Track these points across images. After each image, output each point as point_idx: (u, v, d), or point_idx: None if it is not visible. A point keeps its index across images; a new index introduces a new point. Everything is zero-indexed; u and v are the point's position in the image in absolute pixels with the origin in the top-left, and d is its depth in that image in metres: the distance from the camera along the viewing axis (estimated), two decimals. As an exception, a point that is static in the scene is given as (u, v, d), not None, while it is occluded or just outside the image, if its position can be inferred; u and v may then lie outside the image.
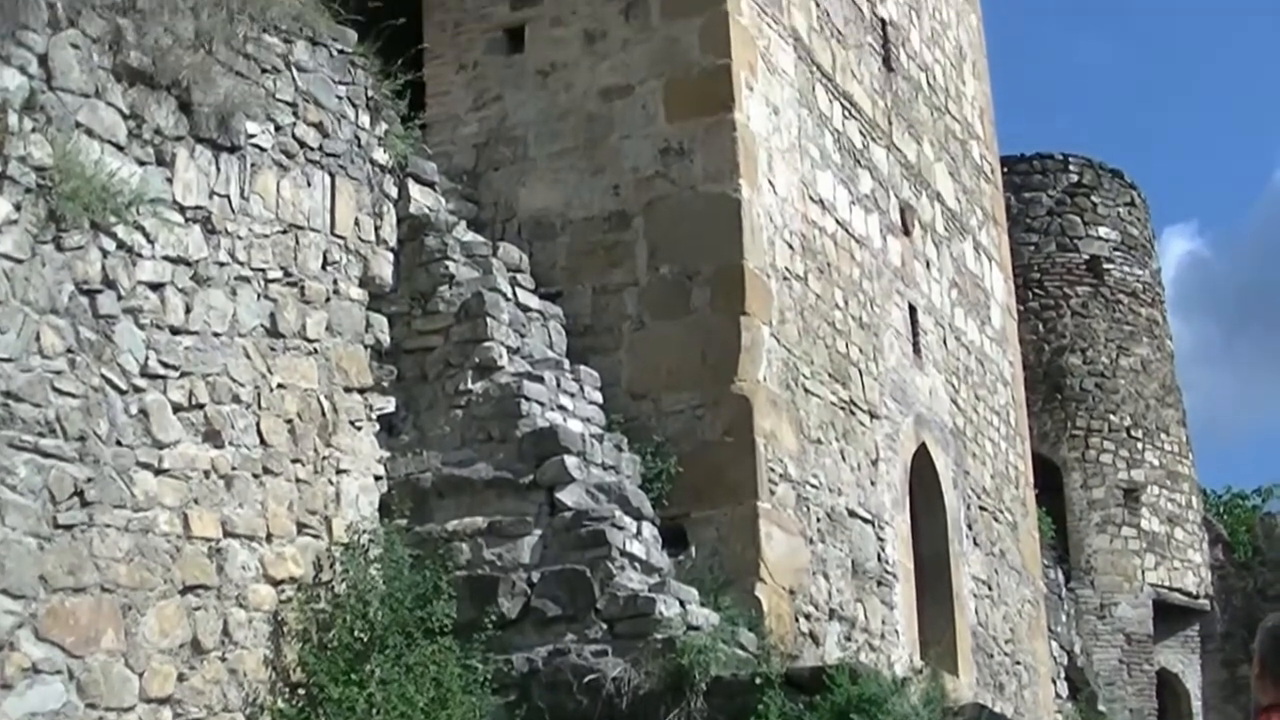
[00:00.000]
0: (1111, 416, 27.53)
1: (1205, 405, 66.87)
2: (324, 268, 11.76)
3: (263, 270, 11.15)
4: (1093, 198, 28.56)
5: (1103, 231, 28.47)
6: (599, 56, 14.84)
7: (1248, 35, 69.69)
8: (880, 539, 15.87)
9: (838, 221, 16.02)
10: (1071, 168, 28.81)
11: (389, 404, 12.31)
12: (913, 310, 17.58)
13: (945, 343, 18.44)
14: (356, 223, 12.14)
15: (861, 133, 16.97)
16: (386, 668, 10.95)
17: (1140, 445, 27.60)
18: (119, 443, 9.74)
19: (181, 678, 10.02)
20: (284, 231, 11.38)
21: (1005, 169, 24.29)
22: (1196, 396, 63.89)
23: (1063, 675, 24.07)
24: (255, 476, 10.85)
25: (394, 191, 12.61)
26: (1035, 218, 28.26)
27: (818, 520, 14.63)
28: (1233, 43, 70.51)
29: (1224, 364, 68.24)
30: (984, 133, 21.24)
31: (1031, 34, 66.15)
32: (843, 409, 15.51)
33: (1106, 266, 28.25)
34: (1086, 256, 28.21)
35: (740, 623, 12.64)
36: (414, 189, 12.77)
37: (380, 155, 12.48)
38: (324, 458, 11.53)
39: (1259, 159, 72.81)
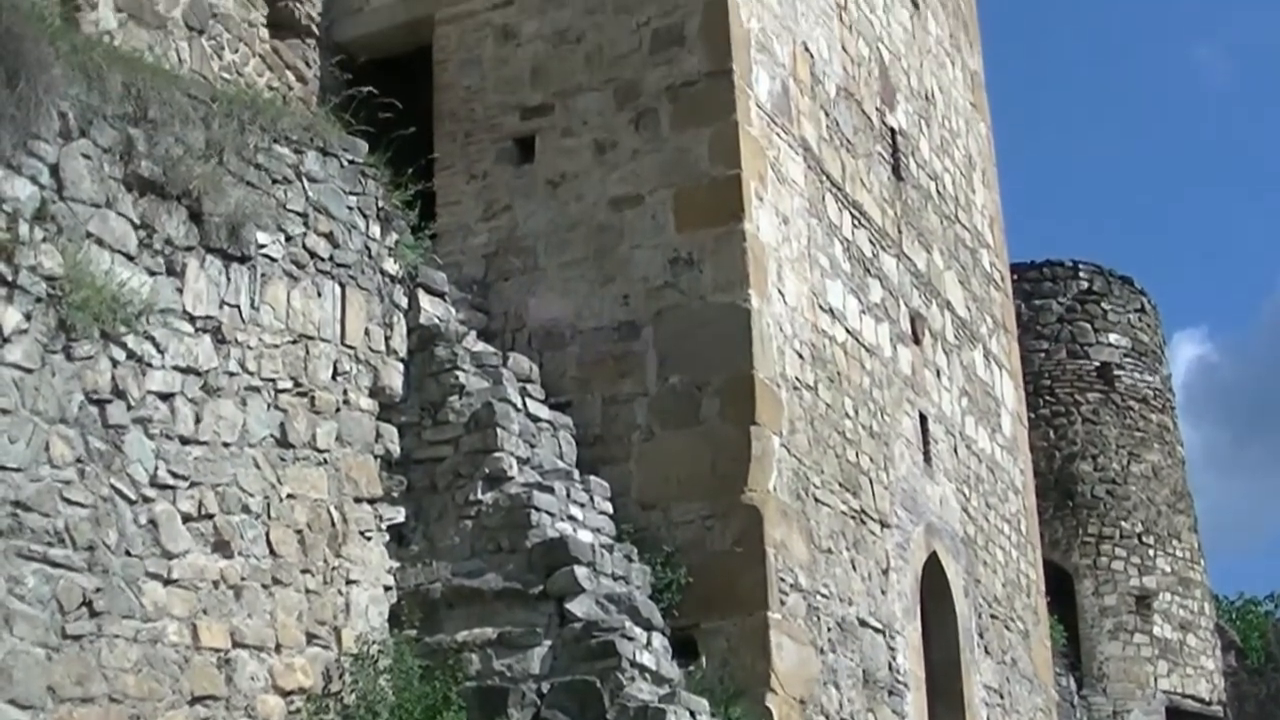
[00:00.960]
0: (1123, 523, 27.47)
1: (1216, 510, 66.70)
2: (334, 378, 11.76)
3: (273, 380, 11.15)
4: (1103, 304, 28.64)
5: (1113, 338, 28.53)
6: (609, 166, 14.90)
7: (1258, 139, 70.00)
8: (891, 648, 15.77)
9: (848, 330, 16.03)
10: (1081, 275, 28.89)
11: (399, 514, 12.27)
12: (923, 419, 17.55)
13: (956, 451, 18.40)
14: (367, 333, 12.16)
15: (871, 241, 17.02)
16: (396, 780, 10.87)
17: (1152, 552, 27.52)
18: (128, 553, 9.72)
19: (189, 789, 9.96)
20: (294, 341, 11.39)
21: (1015, 276, 24.34)
22: (1207, 502, 63.80)
23: (1077, 785, 23.86)
24: (264, 587, 10.81)
25: (404, 301, 12.63)
26: (1046, 324, 28.33)
27: (828, 630, 14.55)
28: (1243, 147, 70.82)
29: (1234, 469, 68.13)
30: (994, 241, 21.29)
31: (1040, 138, 66.45)
32: (853, 518, 15.46)
33: (1117, 373, 28.28)
34: (1097, 363, 28.25)
35: (751, 734, 12.56)
36: (424, 299, 12.79)
37: (391, 265, 12.51)
38: (333, 568, 11.48)
39: (1268, 263, 72.97)
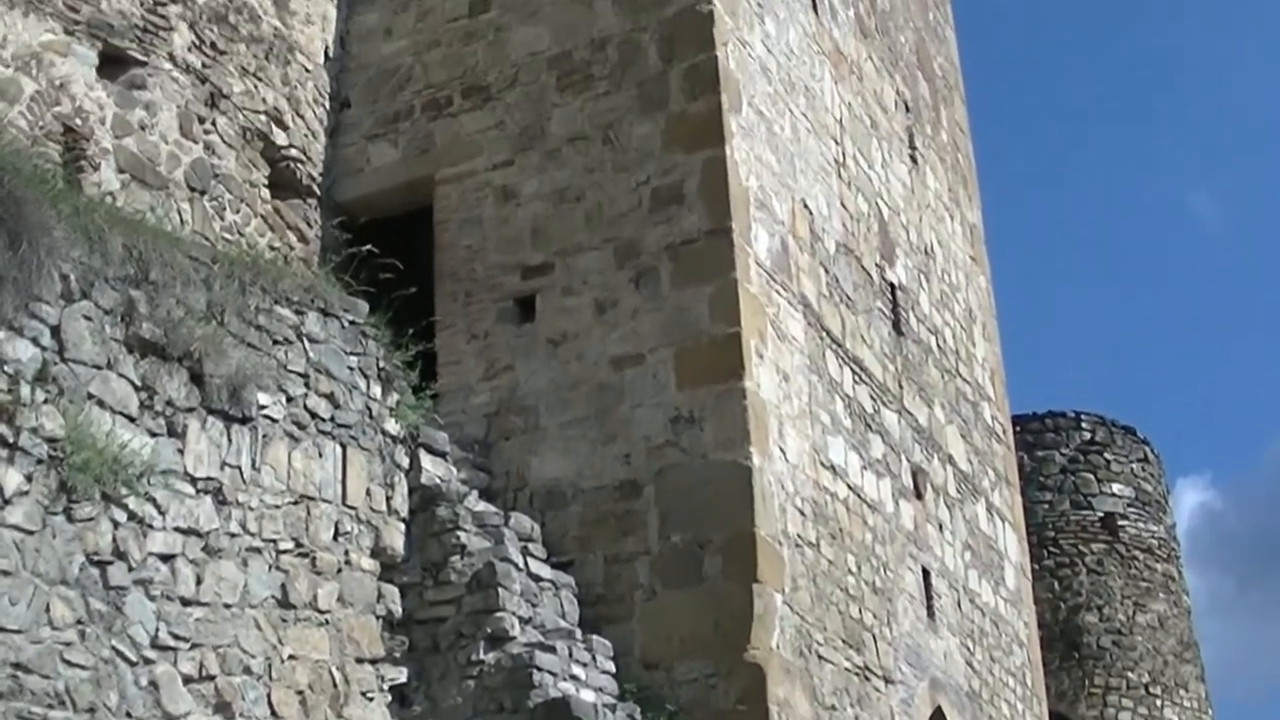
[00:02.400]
0: (1129, 674, 27.27)
1: (1221, 657, 66.15)
2: (335, 538, 11.73)
3: (274, 541, 11.12)
4: (1106, 455, 28.62)
5: (1116, 488, 28.48)
6: (610, 326, 14.95)
7: (1254, 285, 70.27)
8: (899, 808, 15.60)
9: (849, 487, 16.00)
10: (1084, 425, 28.91)
11: (401, 675, 12.18)
12: (926, 574, 17.47)
13: (959, 605, 18.30)
14: (368, 493, 12.14)
15: (872, 397, 17.04)
16: None
17: (1159, 702, 27.30)
18: (129, 715, 9.64)
19: None
20: (295, 502, 11.38)
21: (1018, 428, 24.35)
22: (1213, 648, 63.25)
23: None
24: (265, 749, 10.72)
25: (405, 462, 12.63)
26: (1049, 476, 28.29)
27: (835, 789, 14.41)
28: (1240, 293, 71.08)
29: (1239, 615, 67.65)
30: (995, 394, 21.32)
31: (1040, 288, 66.70)
32: (857, 675, 15.34)
33: (1121, 523, 28.20)
34: (1101, 514, 28.18)
35: None
36: (425, 459, 12.79)
37: (392, 426, 12.53)
38: (335, 730, 11.40)
39: (1269, 409, 72.94)
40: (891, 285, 18.34)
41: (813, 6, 17.96)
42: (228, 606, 10.62)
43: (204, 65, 14.98)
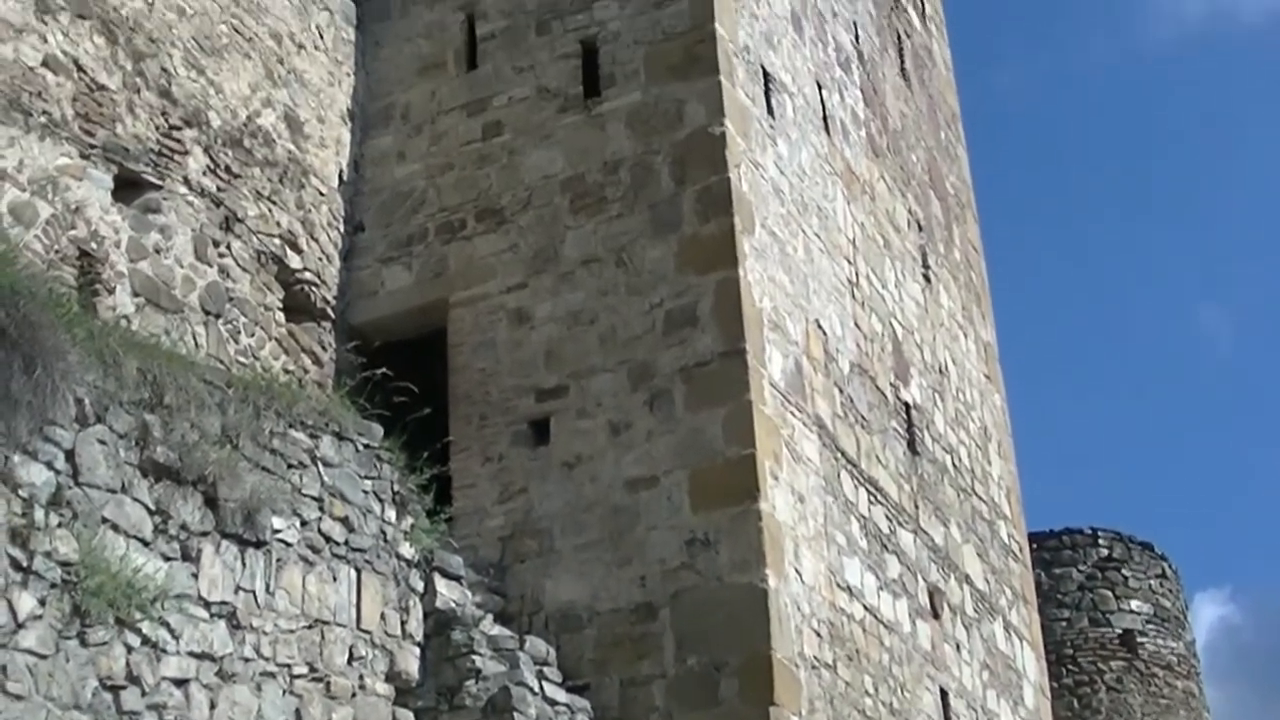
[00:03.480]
0: (1152, 791, 26.99)
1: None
2: (350, 663, 11.64)
3: (288, 666, 11.04)
4: (1123, 571, 28.45)
5: (1135, 605, 28.28)
6: (624, 448, 14.92)
7: (1265, 400, 70.11)
8: None
9: (865, 607, 15.90)
10: (1101, 542, 28.76)
11: (415, 800, 12.07)
12: (944, 694, 17.31)
13: (979, 728, 18.13)
14: (383, 617, 12.07)
15: (888, 517, 16.97)
16: None
17: (1181, 819, 27.02)
18: (140, 843, 9.54)
19: None
20: (310, 626, 11.30)
21: (1034, 545, 24.22)
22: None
23: None
24: None
25: (420, 585, 12.56)
26: (1066, 593, 28.10)
27: None
28: (1252, 407, 70.92)
29: (1260, 729, 66.88)
30: (1011, 511, 21.23)
31: (1054, 405, 66.58)
32: (877, 799, 15.18)
33: (1140, 640, 27.98)
34: (1119, 631, 27.97)
35: None
36: (440, 583, 12.72)
37: (406, 549, 12.47)
38: None
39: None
40: (906, 404, 18.32)
41: (824, 127, 18.06)
42: (241, 732, 10.54)
43: (219, 189, 15.07)
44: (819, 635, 14.76)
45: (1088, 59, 53.53)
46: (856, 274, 17.89)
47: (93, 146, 13.78)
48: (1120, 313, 67.97)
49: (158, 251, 14.23)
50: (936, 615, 17.65)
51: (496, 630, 13.17)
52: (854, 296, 17.66)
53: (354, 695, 11.61)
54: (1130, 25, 54.99)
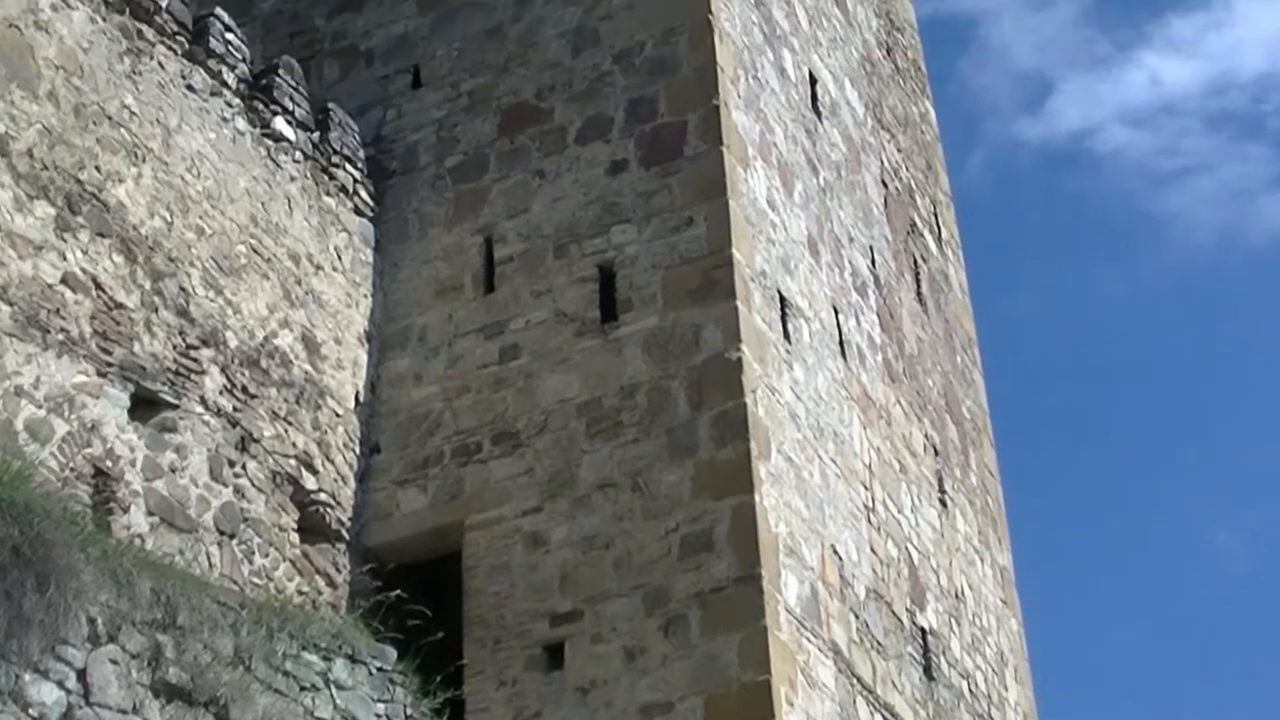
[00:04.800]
0: None
1: None
2: None
3: None
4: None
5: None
6: (639, 673, 14.73)
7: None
8: None
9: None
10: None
11: None
12: None
13: None
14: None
15: (904, 746, 16.73)
16: None
17: None
18: None
19: None
20: None
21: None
22: None
23: None
24: None
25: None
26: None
27: None
28: (1267, 632, 70.22)
29: None
30: (1028, 742, 20.94)
31: (1070, 629, 66.02)
32: None
33: None
34: None
35: None
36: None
37: (420, 770, 12.29)
38: None
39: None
40: (922, 630, 18.13)
41: (841, 352, 18.10)
42: None
43: (235, 409, 15.07)
44: None
45: (1101, 285, 53.90)
46: (872, 499, 17.82)
47: (110, 365, 13.81)
48: (1136, 536, 67.52)
49: (173, 471, 14.20)
50: None
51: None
52: (870, 521, 17.56)
53: None
54: (1142, 252, 55.41)
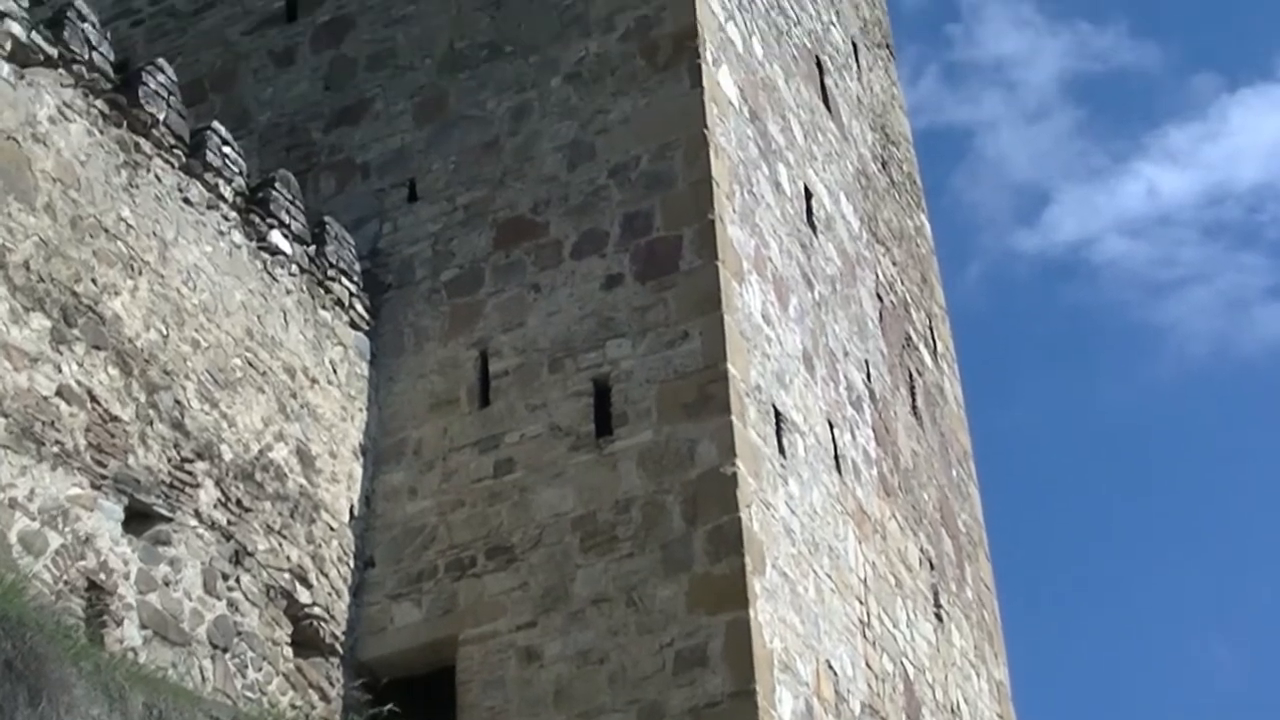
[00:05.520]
0: None
1: None
2: None
3: None
4: None
5: None
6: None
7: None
8: None
9: None
10: None
11: None
12: None
13: None
14: None
15: None
16: None
17: None
18: None
19: None
20: None
21: None
22: None
23: None
24: None
25: None
26: None
27: None
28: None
29: None
30: None
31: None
32: None
33: None
34: None
35: None
36: None
37: None
38: None
39: None
40: None
41: (836, 466, 18.09)
42: None
43: (229, 522, 15.03)
44: None
45: (1097, 397, 54.03)
46: (868, 614, 17.74)
47: (104, 477, 13.78)
48: (1133, 649, 67.20)
49: (167, 584, 14.14)
50: None
51: None
52: (865, 636, 17.48)
53: None
54: (1137, 363, 55.57)
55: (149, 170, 15.40)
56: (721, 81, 18.24)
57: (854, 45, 24.09)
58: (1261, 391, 54.26)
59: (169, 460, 14.55)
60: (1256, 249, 58.66)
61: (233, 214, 16.31)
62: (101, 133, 14.92)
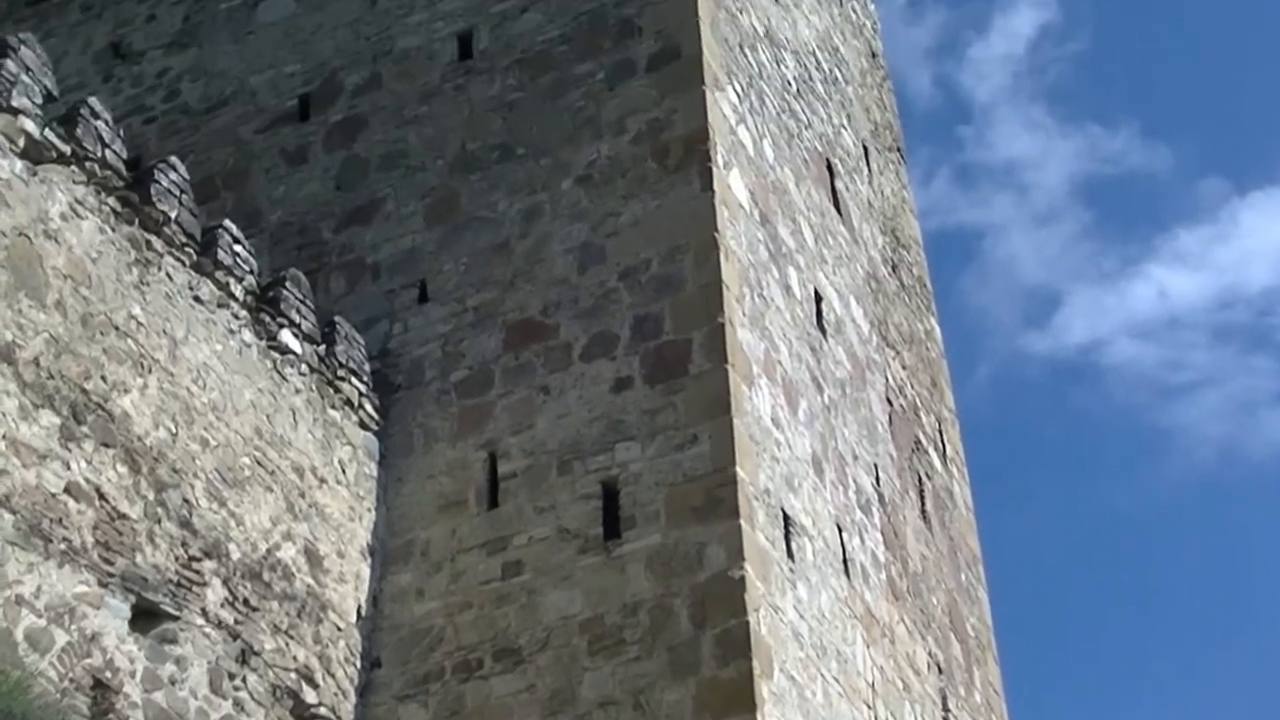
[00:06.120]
0: None
1: None
2: None
3: None
4: None
5: None
6: None
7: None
8: None
9: None
10: None
11: None
12: None
13: None
14: None
15: None
16: None
17: None
18: None
19: None
20: None
21: None
22: None
23: None
24: None
25: None
26: None
27: None
28: None
29: None
30: None
31: None
32: None
33: None
34: None
35: None
36: None
37: None
38: None
39: None
40: None
41: (845, 570, 18.00)
42: None
43: (236, 621, 14.96)
44: None
45: (1106, 501, 53.90)
46: (875, 718, 17.61)
47: (111, 575, 13.73)
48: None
49: (173, 683, 14.06)
50: None
51: None
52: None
53: None
54: (1145, 468, 55.49)
55: (160, 268, 15.43)
56: (732, 184, 18.31)
57: (865, 148, 24.20)
58: (1268, 497, 54.09)
59: (176, 558, 14.50)
60: (1267, 352, 58.67)
61: (243, 313, 16.33)
62: (113, 230, 14.97)
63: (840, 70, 24.38)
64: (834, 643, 17.19)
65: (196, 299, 15.80)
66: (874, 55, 26.90)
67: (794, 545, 16.88)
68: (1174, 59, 59.18)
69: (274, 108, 20.84)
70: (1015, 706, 23.07)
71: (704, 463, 16.33)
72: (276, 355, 16.61)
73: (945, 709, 19.90)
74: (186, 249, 15.79)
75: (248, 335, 16.33)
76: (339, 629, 16.27)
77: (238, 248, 16.51)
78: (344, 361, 17.41)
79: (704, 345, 16.95)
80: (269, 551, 15.69)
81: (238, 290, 16.31)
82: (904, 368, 22.56)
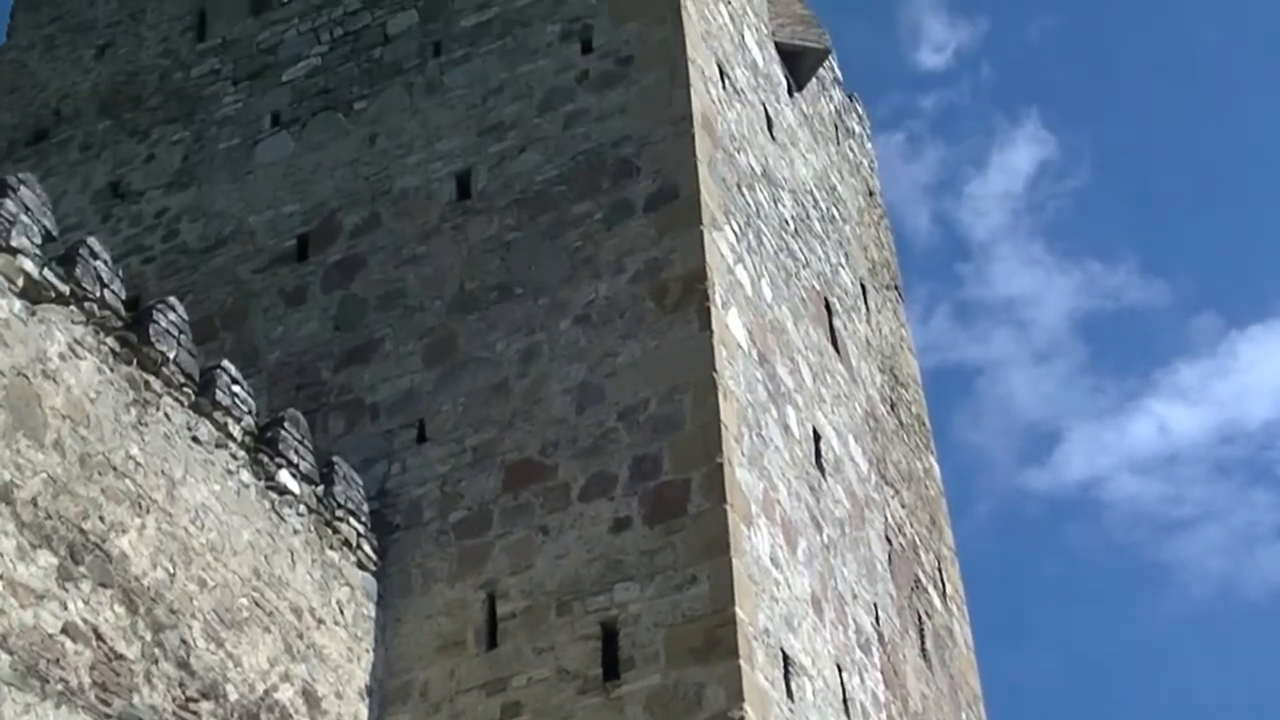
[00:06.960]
0: None
1: None
2: None
3: None
4: None
5: None
6: None
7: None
8: None
9: None
10: None
11: None
12: None
13: None
14: None
15: None
16: None
17: None
18: None
19: None
20: None
21: None
22: None
23: None
24: None
25: None
26: None
27: None
28: None
29: None
30: None
31: None
32: None
33: None
34: None
35: None
36: None
37: None
38: None
39: None
40: None
41: (844, 710, 17.88)
42: None
43: (232, 766, 14.84)
44: None
45: (1104, 638, 53.63)
46: None
47: (109, 716, 13.61)
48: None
49: (168, 826, 13.92)
50: None
51: None
52: None
53: None
54: (1143, 605, 55.31)
55: (158, 408, 15.43)
56: (730, 324, 18.36)
57: (863, 286, 24.32)
58: (1263, 636, 53.90)
59: (174, 699, 14.38)
60: (1268, 486, 58.64)
61: (241, 453, 16.31)
62: (111, 370, 14.98)
63: (838, 208, 24.55)
64: (836, 773, 17.07)
65: (195, 439, 15.78)
66: (871, 193, 27.11)
67: (794, 685, 16.77)
68: (1171, 195, 59.59)
69: (272, 247, 20.92)
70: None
71: (703, 603, 16.25)
72: (275, 496, 16.57)
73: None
74: (185, 389, 15.80)
75: (246, 475, 16.30)
76: (336, 773, 16.14)
77: (236, 388, 16.51)
78: (342, 502, 17.37)
79: (703, 485, 16.91)
80: (267, 693, 15.57)
81: (236, 430, 16.30)
82: (903, 506, 22.53)
